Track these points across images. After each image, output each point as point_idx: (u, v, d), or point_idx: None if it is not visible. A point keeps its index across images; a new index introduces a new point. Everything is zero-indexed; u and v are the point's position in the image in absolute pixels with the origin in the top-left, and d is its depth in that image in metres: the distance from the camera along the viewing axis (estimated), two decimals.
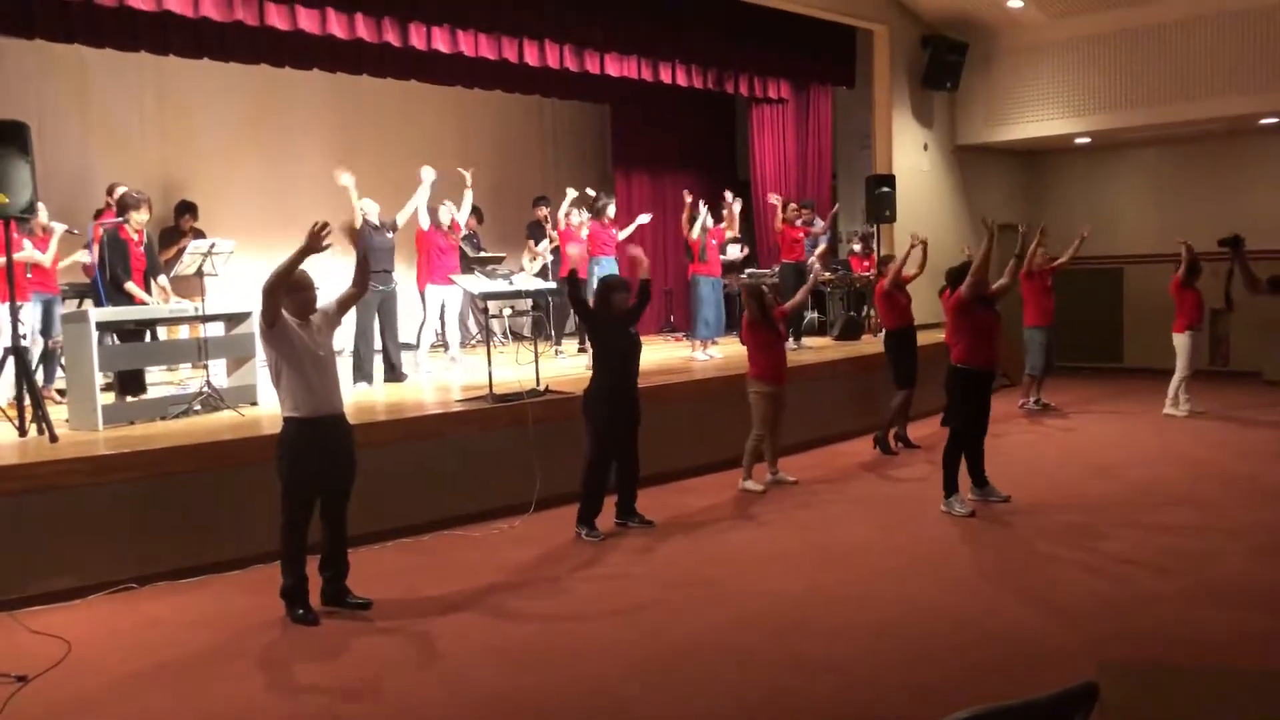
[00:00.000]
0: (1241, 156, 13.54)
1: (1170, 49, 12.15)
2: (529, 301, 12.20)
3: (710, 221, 10.99)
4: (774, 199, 11.74)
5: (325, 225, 5.22)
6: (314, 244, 5.20)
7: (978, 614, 5.24)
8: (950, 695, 4.24)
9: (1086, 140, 13.91)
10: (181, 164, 11.26)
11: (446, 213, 10.28)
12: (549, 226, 12.47)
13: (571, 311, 11.50)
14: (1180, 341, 10.46)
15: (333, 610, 5.52)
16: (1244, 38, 11.64)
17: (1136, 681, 2.46)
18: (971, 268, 7.09)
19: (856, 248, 13.43)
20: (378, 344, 9.35)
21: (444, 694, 4.47)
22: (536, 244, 12.56)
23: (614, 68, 11.20)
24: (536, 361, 8.38)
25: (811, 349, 11.26)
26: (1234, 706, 2.40)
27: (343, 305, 5.71)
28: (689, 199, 11.14)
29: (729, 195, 11.66)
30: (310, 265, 5.37)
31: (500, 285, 8.41)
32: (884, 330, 9.55)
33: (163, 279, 8.36)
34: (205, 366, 7.95)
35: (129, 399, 7.87)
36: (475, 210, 12.44)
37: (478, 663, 4.82)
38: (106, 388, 7.81)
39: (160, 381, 9.26)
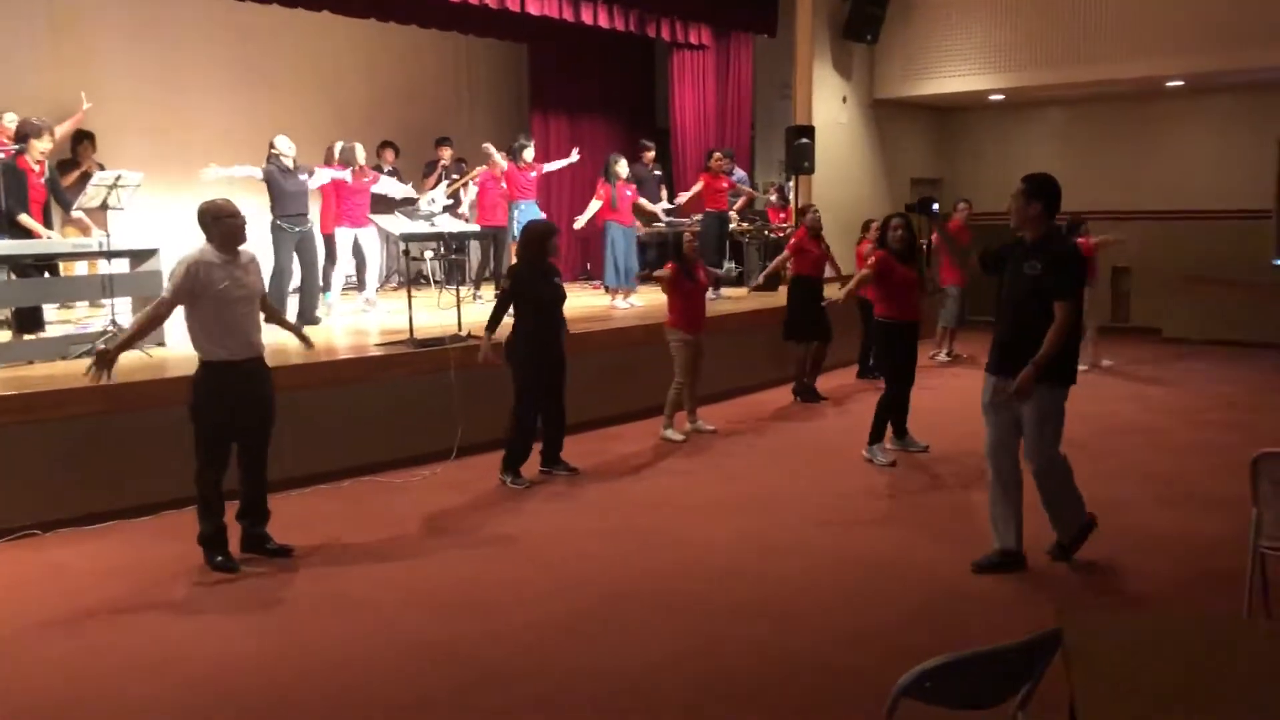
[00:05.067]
0: (1148, 118, 13.90)
1: (1082, 10, 12.35)
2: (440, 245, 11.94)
3: (624, 170, 10.86)
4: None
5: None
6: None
7: (907, 560, 5.33)
8: (886, 639, 4.31)
9: (1000, 97, 14.10)
10: (76, 93, 10.63)
11: (360, 155, 9.96)
12: (440, 169, 12.18)
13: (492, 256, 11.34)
14: None
15: (252, 557, 5.37)
16: (1153, 1, 11.88)
17: (1097, 629, 2.50)
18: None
19: (774, 199, 13.42)
20: (293, 284, 9.04)
21: (373, 642, 4.38)
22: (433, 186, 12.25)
23: (533, 5, 10.89)
24: (459, 306, 8.21)
25: (730, 299, 11.26)
26: (1188, 650, 2.46)
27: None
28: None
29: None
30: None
31: (421, 227, 8.20)
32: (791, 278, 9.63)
33: (79, 212, 7.94)
34: (111, 305, 7.59)
35: (26, 337, 7.49)
36: (390, 144, 12.07)
37: (405, 611, 4.74)
38: (2, 325, 7.42)
39: (56, 320, 8.82)
